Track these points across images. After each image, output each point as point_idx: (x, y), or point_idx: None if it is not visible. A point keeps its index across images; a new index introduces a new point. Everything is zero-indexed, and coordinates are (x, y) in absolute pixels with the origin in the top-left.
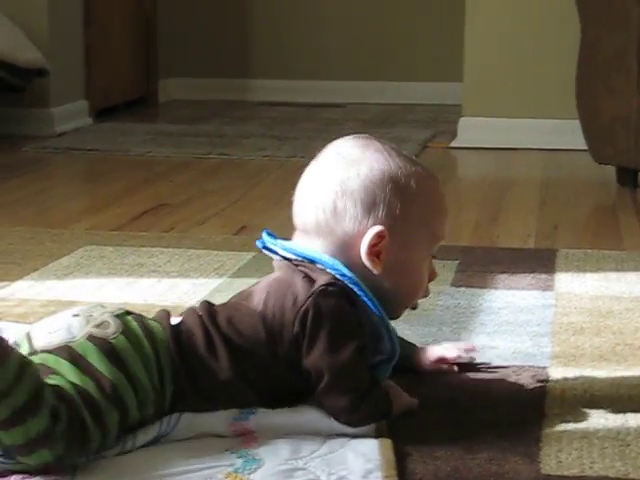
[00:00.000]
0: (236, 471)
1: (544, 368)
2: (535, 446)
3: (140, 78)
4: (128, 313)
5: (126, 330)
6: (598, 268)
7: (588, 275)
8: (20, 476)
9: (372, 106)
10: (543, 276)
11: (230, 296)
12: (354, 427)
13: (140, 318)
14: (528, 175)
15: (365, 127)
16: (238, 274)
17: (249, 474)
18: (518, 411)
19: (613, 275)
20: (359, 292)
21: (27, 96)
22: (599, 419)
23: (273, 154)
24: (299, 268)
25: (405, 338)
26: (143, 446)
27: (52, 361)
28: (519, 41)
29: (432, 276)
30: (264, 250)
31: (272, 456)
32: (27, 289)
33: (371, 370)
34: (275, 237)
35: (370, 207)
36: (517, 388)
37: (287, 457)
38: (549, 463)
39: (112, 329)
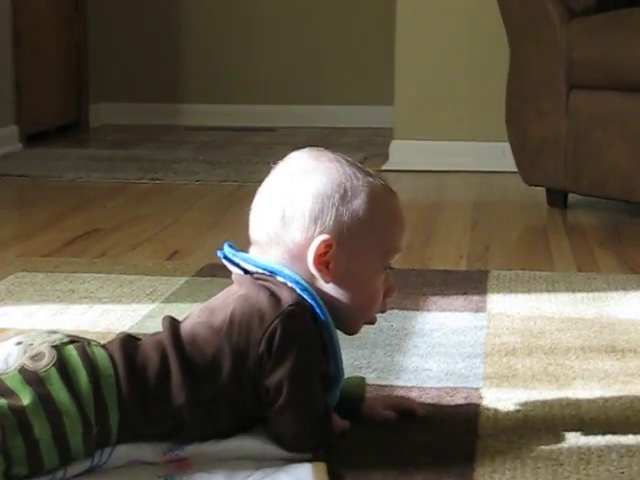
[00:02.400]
0: None
1: (477, 389)
2: (469, 467)
3: (71, 103)
4: (72, 341)
5: (60, 362)
6: (529, 289)
7: (520, 296)
8: None
9: (303, 129)
10: (475, 297)
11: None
12: (296, 452)
13: (83, 347)
14: (460, 197)
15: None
16: (170, 299)
17: None
18: (452, 432)
19: (544, 296)
20: (317, 309)
21: None
22: (532, 439)
23: (205, 179)
24: (262, 283)
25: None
26: (76, 476)
27: None
28: (449, 64)
29: (390, 292)
30: (224, 260)
31: None
32: None
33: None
34: (236, 249)
35: (317, 216)
36: (450, 410)
37: None
38: None
39: (45, 361)
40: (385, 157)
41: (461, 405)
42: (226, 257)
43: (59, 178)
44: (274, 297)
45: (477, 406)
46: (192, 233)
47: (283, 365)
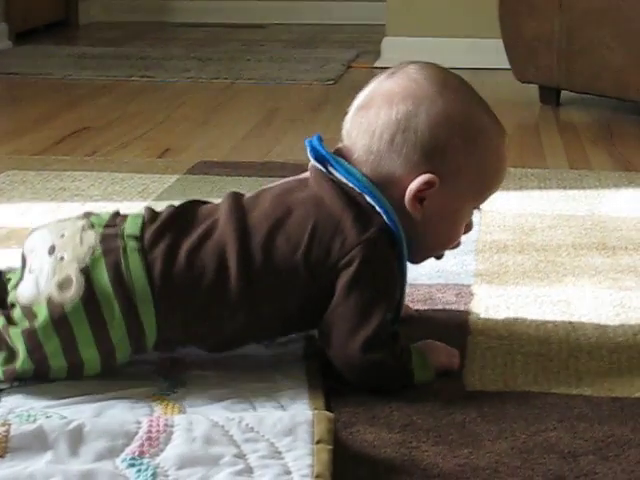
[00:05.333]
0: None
1: (468, 286)
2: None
3: (60, 0)
4: (106, 250)
5: (88, 292)
6: (521, 186)
7: (511, 193)
8: None
9: (294, 26)
10: None
11: None
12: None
13: (116, 264)
14: None
15: (288, 48)
16: (162, 197)
17: (177, 398)
18: (443, 328)
19: (536, 193)
20: (398, 240)
21: None
22: (522, 335)
23: (196, 76)
24: (351, 200)
25: None
26: None
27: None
28: None
29: (467, 228)
30: (313, 161)
31: (200, 380)
32: None
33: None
34: (324, 149)
35: (429, 152)
36: (441, 306)
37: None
38: (472, 379)
39: (72, 292)
40: (377, 54)
41: (452, 301)
42: (316, 152)
43: (49, 76)
44: (359, 221)
45: (468, 303)
46: (183, 131)
47: (354, 294)
